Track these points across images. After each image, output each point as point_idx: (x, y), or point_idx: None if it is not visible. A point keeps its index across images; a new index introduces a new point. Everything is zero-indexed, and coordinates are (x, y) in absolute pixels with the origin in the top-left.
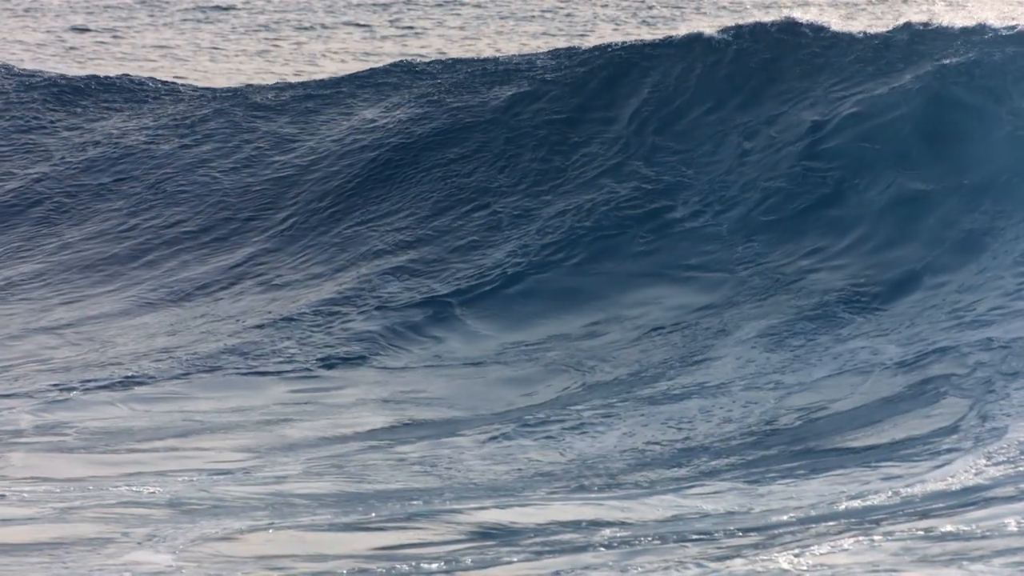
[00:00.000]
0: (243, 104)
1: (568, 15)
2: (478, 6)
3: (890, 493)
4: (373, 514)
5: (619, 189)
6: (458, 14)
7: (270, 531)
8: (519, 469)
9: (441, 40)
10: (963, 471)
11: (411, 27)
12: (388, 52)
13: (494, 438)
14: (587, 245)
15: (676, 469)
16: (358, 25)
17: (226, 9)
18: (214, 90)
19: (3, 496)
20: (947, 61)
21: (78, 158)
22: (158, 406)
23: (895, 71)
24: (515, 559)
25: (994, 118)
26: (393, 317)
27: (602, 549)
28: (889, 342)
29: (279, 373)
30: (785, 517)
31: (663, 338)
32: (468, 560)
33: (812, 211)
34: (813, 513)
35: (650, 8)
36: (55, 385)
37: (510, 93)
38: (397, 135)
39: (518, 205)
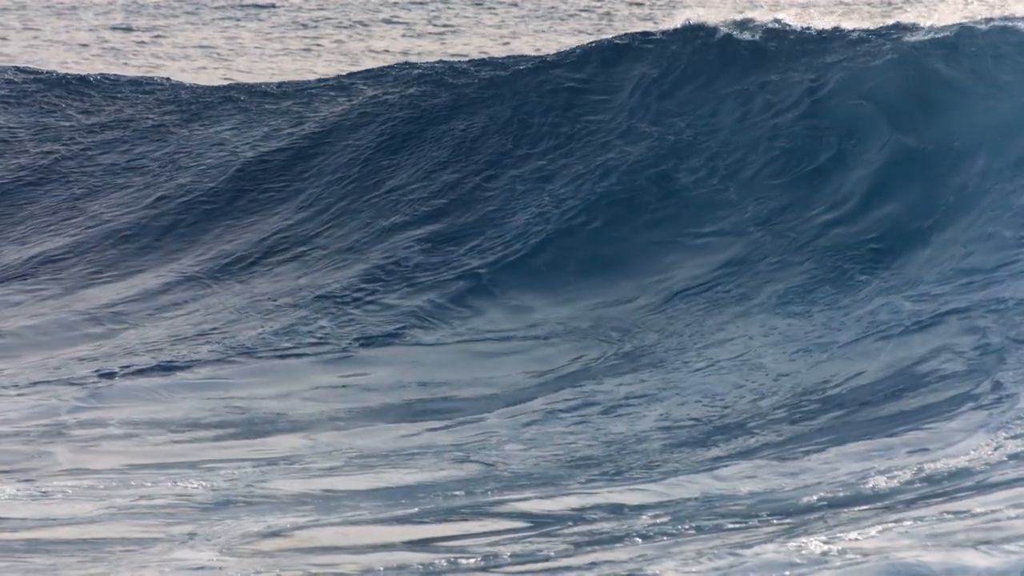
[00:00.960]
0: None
1: (606, 14)
2: (514, 5)
3: (915, 469)
4: (416, 508)
5: (631, 151)
6: (494, 12)
7: (312, 528)
8: (557, 455)
9: (480, 38)
10: (985, 445)
11: (449, 24)
12: (428, 50)
13: (532, 422)
14: (604, 209)
15: (711, 448)
16: (397, 23)
17: (265, 7)
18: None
19: (46, 493)
20: (927, 37)
21: (96, 139)
22: (198, 393)
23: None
24: (553, 552)
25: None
26: (424, 292)
27: (638, 540)
28: (906, 300)
29: (316, 355)
30: (815, 498)
31: (686, 305)
32: (507, 555)
33: (816, 173)
34: (842, 494)
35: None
36: (96, 371)
37: (518, 69)
38: (407, 108)
39: (533, 172)
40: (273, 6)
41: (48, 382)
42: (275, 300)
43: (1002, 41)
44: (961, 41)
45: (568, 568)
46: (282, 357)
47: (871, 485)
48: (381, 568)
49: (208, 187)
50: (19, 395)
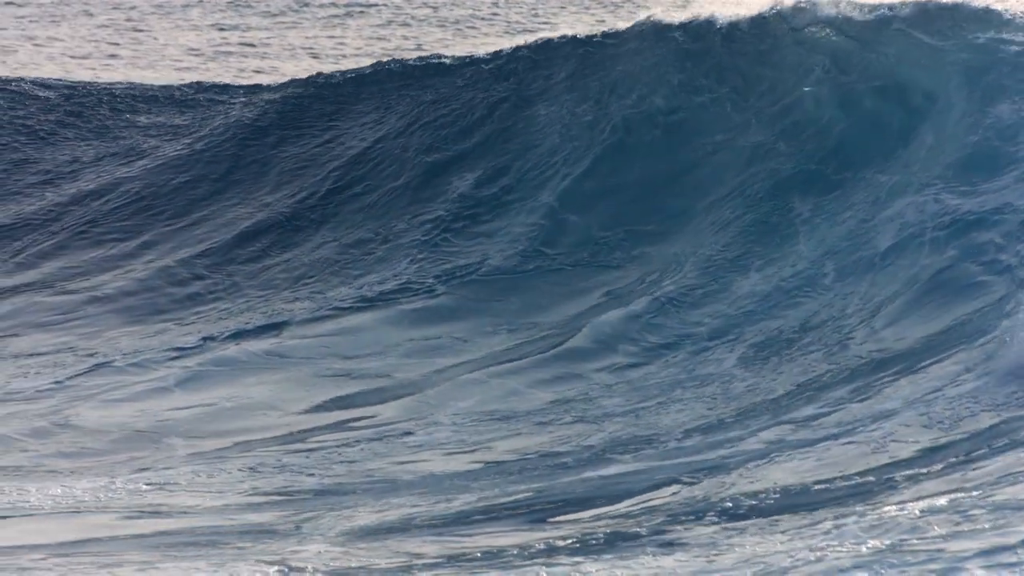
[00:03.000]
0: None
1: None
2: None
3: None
4: (519, 494)
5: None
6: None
7: (416, 520)
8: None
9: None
10: None
11: (547, 22)
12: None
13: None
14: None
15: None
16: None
17: (368, 7)
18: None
19: (163, 486)
20: None
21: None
22: (301, 358)
23: None
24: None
25: None
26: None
27: None
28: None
29: (409, 304)
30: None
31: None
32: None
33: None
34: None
35: None
36: (205, 338)
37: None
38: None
39: None
40: (375, 4)
41: (151, 351)
42: (361, 248)
43: None
44: None
45: None
46: (378, 309)
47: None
48: (479, 553)
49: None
50: (129, 365)
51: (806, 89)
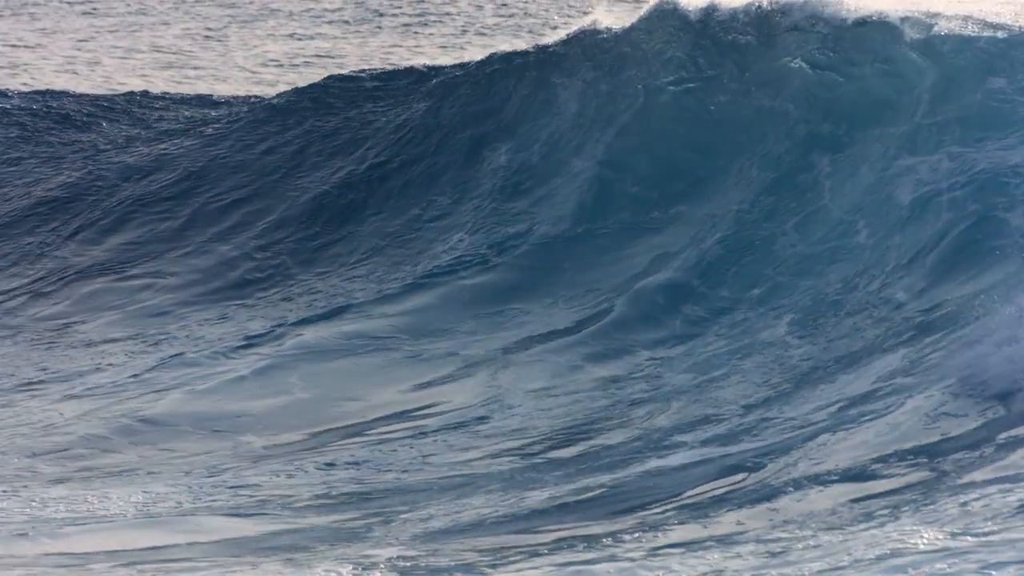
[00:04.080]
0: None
1: None
2: None
3: None
4: (589, 490)
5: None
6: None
7: (489, 520)
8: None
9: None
10: None
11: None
12: None
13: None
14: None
15: None
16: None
17: (443, 16)
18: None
19: (241, 488)
20: None
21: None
22: (369, 343)
23: None
24: None
25: None
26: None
27: None
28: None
29: (466, 278)
30: None
31: None
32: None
33: None
34: None
35: None
36: (274, 325)
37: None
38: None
39: None
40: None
41: (222, 340)
42: (412, 225)
43: None
44: None
45: None
46: (438, 286)
47: None
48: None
49: None
50: (203, 356)
51: (803, 63)
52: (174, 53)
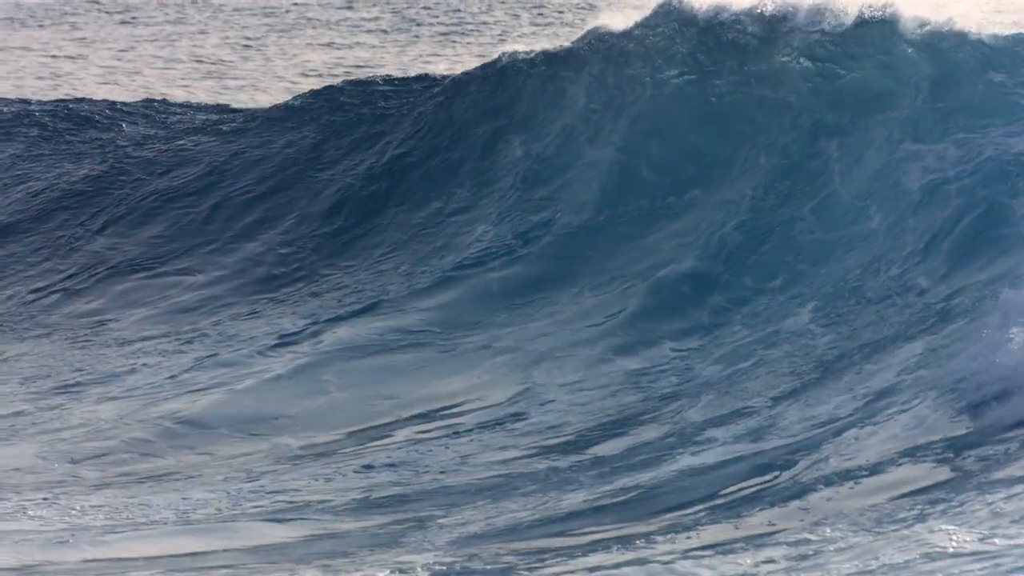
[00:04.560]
0: None
1: None
2: None
3: None
4: (623, 493)
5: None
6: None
7: (525, 523)
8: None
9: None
10: None
11: None
12: None
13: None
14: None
15: None
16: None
17: (480, 25)
18: None
19: (278, 493)
20: None
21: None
22: (410, 347)
23: None
24: None
25: None
26: None
27: None
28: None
29: (504, 277)
30: None
31: None
32: None
33: None
34: None
35: None
36: (307, 323)
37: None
38: None
39: None
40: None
41: (256, 339)
42: (435, 218)
43: None
44: None
45: None
46: (467, 279)
47: None
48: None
49: None
50: (238, 355)
51: (802, 60)
52: (213, 63)
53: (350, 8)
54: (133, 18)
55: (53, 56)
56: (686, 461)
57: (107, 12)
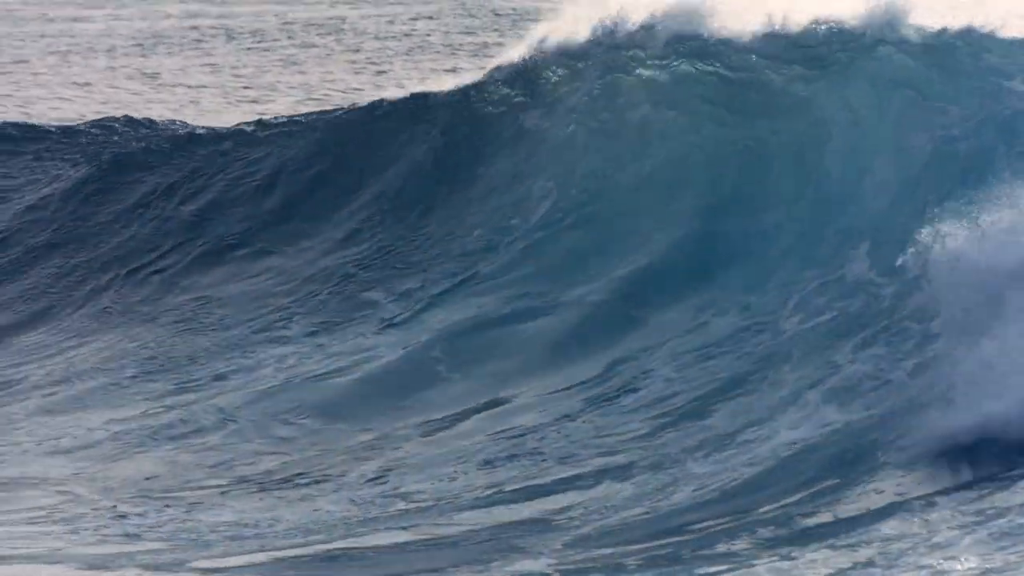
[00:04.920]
0: None
1: None
2: None
3: None
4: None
5: None
6: None
7: (636, 523)
8: None
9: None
10: None
11: None
12: None
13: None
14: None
15: None
16: None
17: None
18: None
19: (393, 498)
20: None
21: None
22: (509, 327)
23: None
24: None
25: None
26: None
27: None
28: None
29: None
30: None
31: None
32: None
33: None
34: None
35: None
36: (404, 303)
37: None
38: None
39: None
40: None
41: (355, 324)
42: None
43: None
44: None
45: None
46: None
47: None
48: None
49: None
50: (339, 342)
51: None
52: (343, 92)
53: (473, 34)
54: (259, 43)
55: (189, 87)
56: (784, 435)
57: (234, 37)
